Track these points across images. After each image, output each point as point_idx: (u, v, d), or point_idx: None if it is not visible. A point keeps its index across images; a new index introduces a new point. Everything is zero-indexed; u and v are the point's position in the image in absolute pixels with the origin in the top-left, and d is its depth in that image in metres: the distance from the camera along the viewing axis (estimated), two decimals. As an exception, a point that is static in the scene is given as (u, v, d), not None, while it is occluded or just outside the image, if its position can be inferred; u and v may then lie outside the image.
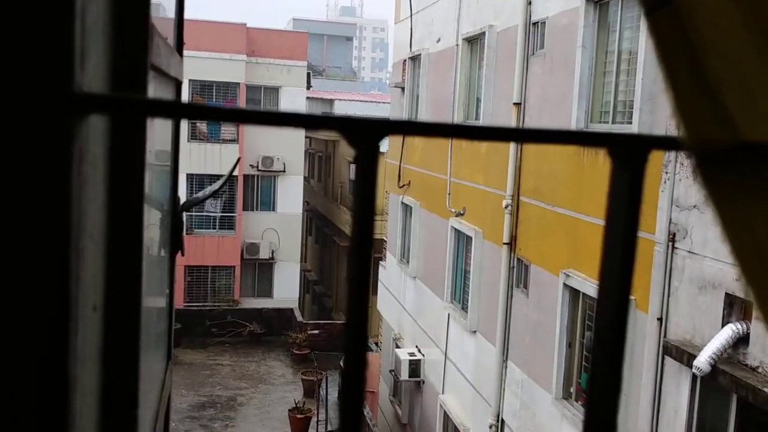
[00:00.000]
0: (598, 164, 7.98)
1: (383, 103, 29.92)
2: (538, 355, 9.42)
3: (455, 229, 12.41)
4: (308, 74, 26.91)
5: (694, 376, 6.21)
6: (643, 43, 7.30)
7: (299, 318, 24.04)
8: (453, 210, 12.35)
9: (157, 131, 1.52)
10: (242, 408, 18.79)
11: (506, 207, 10.20)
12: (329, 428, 17.05)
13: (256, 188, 26.27)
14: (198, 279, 25.37)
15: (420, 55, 14.62)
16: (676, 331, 6.62)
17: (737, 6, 0.40)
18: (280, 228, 26.17)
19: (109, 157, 0.83)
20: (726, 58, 0.41)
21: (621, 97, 7.98)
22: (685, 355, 6.22)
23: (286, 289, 26.33)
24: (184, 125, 20.94)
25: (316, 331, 22.56)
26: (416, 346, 14.47)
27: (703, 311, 6.26)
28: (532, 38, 9.86)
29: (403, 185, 15.18)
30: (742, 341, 5.80)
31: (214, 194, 20.35)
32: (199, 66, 23.52)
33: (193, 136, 24.63)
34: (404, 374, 14.05)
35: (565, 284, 8.65)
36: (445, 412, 12.67)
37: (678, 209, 6.62)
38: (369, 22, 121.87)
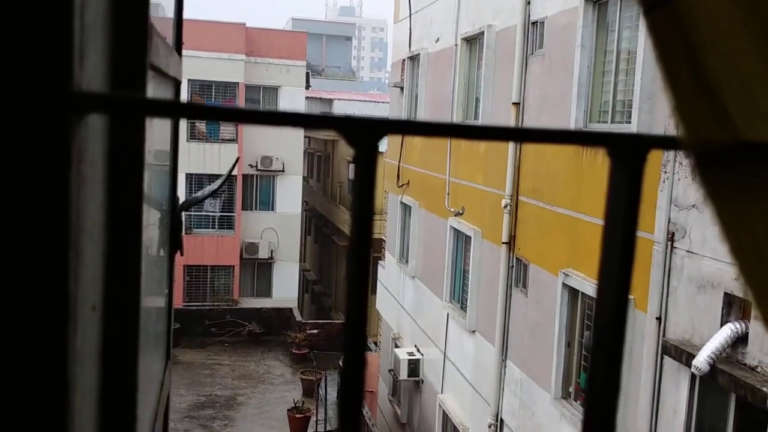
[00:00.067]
0: (597, 164, 7.98)
1: (382, 102, 29.92)
2: (537, 354, 9.42)
3: (454, 228, 12.41)
4: (307, 74, 26.91)
5: (693, 376, 6.22)
6: (642, 43, 7.31)
7: (298, 318, 24.04)
8: (452, 210, 12.35)
9: (156, 131, 1.52)
10: (241, 407, 18.79)
11: (505, 206, 10.20)
12: (328, 428, 17.05)
13: (255, 188, 26.26)
14: (197, 279, 25.36)
15: (419, 54, 14.62)
16: (675, 330, 6.63)
17: (737, 5, 0.40)
18: (279, 228, 26.16)
19: (108, 156, 0.83)
20: (725, 58, 0.41)
21: (620, 96, 7.98)
22: (684, 355, 6.23)
23: (285, 288, 26.33)
24: (183, 125, 20.94)
25: (315, 331, 22.56)
26: (415, 346, 14.48)
27: (701, 311, 6.26)
28: (530, 38, 9.87)
29: (402, 185, 15.18)
30: (740, 341, 5.80)
31: (213, 194, 20.34)
32: (198, 66, 23.51)
33: (192, 135, 24.62)
34: (403, 374, 14.05)
35: (564, 284, 8.66)
36: (444, 412, 12.67)
37: (677, 209, 6.62)
38: (368, 21, 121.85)
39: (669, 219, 6.71)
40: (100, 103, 0.54)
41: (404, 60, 15.66)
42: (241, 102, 24.90)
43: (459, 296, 12.52)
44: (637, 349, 7.09)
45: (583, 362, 8.57)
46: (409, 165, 14.94)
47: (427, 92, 14.32)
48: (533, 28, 9.81)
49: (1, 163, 0.50)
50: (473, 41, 12.05)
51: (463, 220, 12.03)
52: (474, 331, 11.60)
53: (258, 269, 26.37)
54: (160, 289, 1.88)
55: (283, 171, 26.00)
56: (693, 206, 6.41)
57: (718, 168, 0.44)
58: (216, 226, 25.58)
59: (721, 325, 5.94)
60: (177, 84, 2.01)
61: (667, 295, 6.72)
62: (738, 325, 5.79)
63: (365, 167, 0.45)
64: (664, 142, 0.51)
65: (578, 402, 8.60)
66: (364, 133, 0.45)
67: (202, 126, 24.54)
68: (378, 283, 17.58)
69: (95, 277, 0.78)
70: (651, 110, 7.13)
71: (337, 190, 27.31)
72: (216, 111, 0.46)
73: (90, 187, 0.70)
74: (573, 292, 8.63)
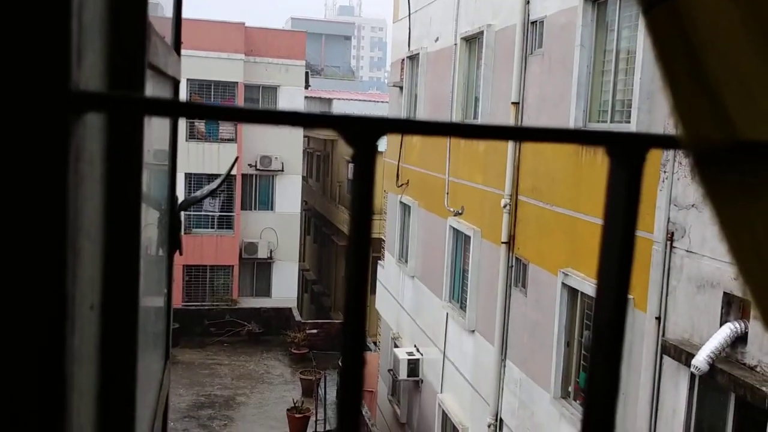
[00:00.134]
0: (597, 163, 7.99)
1: (381, 102, 29.93)
2: (536, 354, 9.43)
3: (454, 228, 12.41)
4: (306, 73, 26.91)
5: (692, 375, 6.22)
6: (641, 42, 7.31)
7: (297, 317, 24.04)
8: (451, 209, 12.35)
9: (155, 130, 1.52)
10: (240, 407, 18.79)
11: (505, 206, 10.20)
12: (328, 428, 17.05)
13: (255, 187, 26.26)
14: (196, 278, 25.36)
15: (418, 54, 14.62)
16: (674, 330, 6.63)
17: (736, 5, 0.40)
18: (278, 227, 26.16)
19: (106, 155, 0.82)
20: (725, 57, 0.41)
21: (619, 96, 7.98)
22: (683, 354, 6.23)
23: (284, 288, 26.33)
24: (183, 124, 20.94)
25: (315, 331, 22.56)
26: (415, 346, 14.48)
27: (701, 310, 6.26)
28: (530, 37, 9.87)
29: (402, 184, 15.18)
30: (740, 340, 5.80)
31: (212, 193, 20.34)
32: (197, 65, 23.51)
33: (192, 135, 24.62)
34: (403, 373, 14.05)
35: (563, 283, 8.66)
36: (443, 412, 12.67)
37: (676, 208, 6.62)
38: (367, 21, 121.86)
39: (668, 218, 6.71)
40: (97, 103, 0.54)
41: (403, 59, 15.66)
42: (240, 101, 24.90)
43: (458, 296, 12.52)
44: (636, 349, 7.09)
45: (582, 362, 8.57)
46: (409, 165, 14.94)
47: (427, 92, 14.32)
48: (532, 28, 9.81)
49: (-2, 163, 0.50)
50: (473, 41, 12.05)
51: (463, 219, 12.03)
52: (473, 331, 11.60)
53: (257, 269, 26.37)
54: (159, 288, 1.88)
55: (283, 171, 26.00)
56: (692, 206, 6.41)
57: (717, 168, 0.43)
58: (215, 226, 25.59)
59: (721, 325, 5.95)
60: (176, 83, 2.01)
61: (667, 295, 6.72)
62: (737, 325, 5.80)
63: (364, 166, 0.45)
64: (664, 142, 0.51)
65: (578, 401, 8.60)
66: (362, 132, 0.45)
67: (201, 125, 24.54)
68: (377, 283, 17.58)
69: (93, 276, 0.78)
70: (650, 109, 7.13)
71: (336, 189, 27.31)
72: (215, 110, 0.46)
73: (88, 186, 0.70)
74: (572, 292, 8.63)
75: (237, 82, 25.10)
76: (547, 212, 9.26)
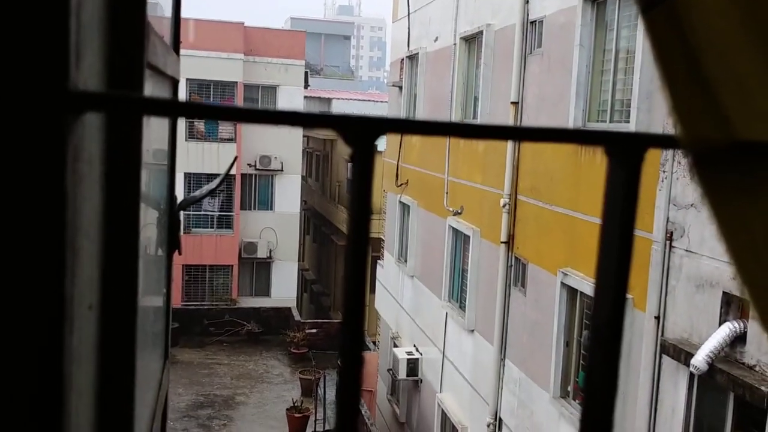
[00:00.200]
0: (596, 163, 7.99)
1: (381, 102, 29.93)
2: (535, 353, 9.43)
3: (453, 228, 12.42)
4: (306, 73, 26.90)
5: (691, 375, 6.22)
6: (640, 42, 7.31)
7: (297, 317, 24.03)
8: (451, 209, 12.35)
9: (154, 130, 1.52)
10: (240, 407, 18.78)
11: (504, 206, 10.20)
12: (327, 427, 17.05)
13: (254, 187, 26.26)
14: (196, 278, 25.35)
15: (418, 54, 14.62)
16: (673, 329, 6.63)
17: (735, 5, 0.40)
18: (277, 227, 26.16)
19: (105, 155, 0.82)
20: (723, 58, 0.41)
21: (618, 95, 7.98)
22: (682, 354, 6.23)
23: (283, 288, 26.32)
24: (182, 124, 20.93)
25: (314, 330, 22.56)
26: (414, 345, 14.48)
27: (700, 310, 6.27)
28: (529, 37, 9.87)
29: (401, 184, 15.18)
30: (739, 340, 5.81)
31: (211, 193, 20.34)
32: (196, 65, 23.50)
33: (191, 135, 24.62)
34: (402, 373, 14.05)
35: (562, 283, 8.66)
36: (443, 411, 12.68)
37: (675, 208, 6.63)
38: (367, 21, 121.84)
39: (667, 218, 6.71)
40: (96, 102, 0.54)
41: (403, 59, 15.66)
42: (239, 101, 24.89)
43: (458, 295, 12.52)
44: (635, 349, 7.09)
45: (581, 361, 8.58)
46: (408, 164, 14.94)
47: (426, 91, 14.32)
48: (532, 27, 9.81)
49: (-4, 162, 0.50)
50: (472, 40, 12.05)
51: (462, 219, 12.04)
52: (473, 331, 11.60)
53: (257, 269, 26.36)
54: (158, 288, 1.88)
55: (282, 170, 25.99)
56: (691, 205, 6.41)
57: (715, 167, 0.43)
58: (215, 226, 25.58)
59: (720, 324, 5.95)
60: (175, 83, 2.01)
61: (666, 295, 6.73)
62: (736, 324, 5.80)
63: (363, 166, 0.45)
64: (662, 142, 0.51)
65: (577, 401, 8.60)
66: (361, 132, 0.45)
67: (200, 125, 24.53)
68: (377, 283, 17.58)
69: (92, 276, 0.78)
70: (650, 109, 7.14)
71: (335, 189, 27.31)
72: (213, 110, 0.46)
73: (87, 186, 0.70)
74: (572, 292, 8.64)
75: (236, 82, 25.09)
76: (546, 212, 9.26)
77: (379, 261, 17.57)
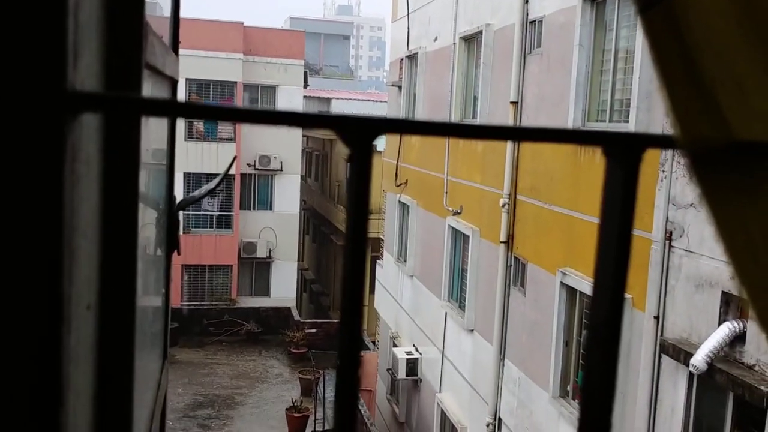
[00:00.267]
0: (595, 163, 7.99)
1: (380, 102, 29.93)
2: (535, 353, 9.43)
3: (452, 227, 12.42)
4: (305, 73, 26.90)
5: (690, 375, 6.22)
6: (640, 42, 7.31)
7: (296, 317, 24.04)
8: (450, 209, 12.36)
9: (153, 130, 1.52)
10: (239, 407, 18.78)
11: (503, 206, 10.20)
12: (327, 427, 17.05)
13: (254, 187, 26.26)
14: (195, 278, 25.35)
15: (417, 53, 14.62)
16: (672, 329, 6.63)
17: (732, 5, 0.40)
18: (277, 227, 26.16)
19: (103, 155, 0.82)
20: (720, 58, 0.41)
21: (618, 95, 7.99)
22: (681, 354, 6.23)
23: (283, 287, 26.32)
24: (181, 124, 20.93)
25: (314, 330, 22.56)
26: (413, 345, 14.48)
27: (699, 309, 6.27)
28: (529, 37, 9.87)
29: (401, 184, 15.18)
30: (738, 339, 5.81)
31: (210, 193, 20.33)
32: (196, 65, 23.50)
33: (190, 134, 24.61)
34: (401, 373, 14.05)
35: (562, 283, 8.66)
36: (442, 411, 12.68)
37: (675, 208, 6.63)
38: (366, 20, 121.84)
39: (667, 218, 6.71)
40: (94, 103, 0.54)
41: (402, 59, 15.66)
42: (239, 101, 24.89)
43: (457, 295, 12.52)
44: (635, 348, 7.09)
45: (581, 361, 8.58)
46: (408, 164, 14.94)
47: (426, 91, 14.32)
48: (531, 27, 9.82)
49: (-6, 163, 0.50)
50: (471, 40, 12.05)
51: (462, 219, 12.04)
52: (472, 330, 11.60)
53: (256, 268, 26.36)
54: (157, 288, 1.88)
55: (281, 170, 25.99)
56: (691, 205, 6.41)
57: (713, 168, 0.43)
58: (214, 226, 25.58)
59: (719, 324, 5.95)
60: (174, 83, 2.00)
61: (665, 294, 6.73)
62: (736, 324, 5.80)
63: (360, 166, 0.45)
64: (661, 142, 0.51)
65: (576, 401, 8.60)
66: (359, 132, 0.45)
67: (200, 125, 24.53)
68: (376, 283, 17.57)
69: (90, 276, 0.78)
70: (649, 109, 7.14)
71: (335, 189, 27.31)
72: (211, 110, 0.46)
73: (84, 186, 0.70)
74: (571, 291, 8.64)
75: (236, 82, 25.09)
76: (545, 212, 9.26)
77: (378, 261, 17.57)
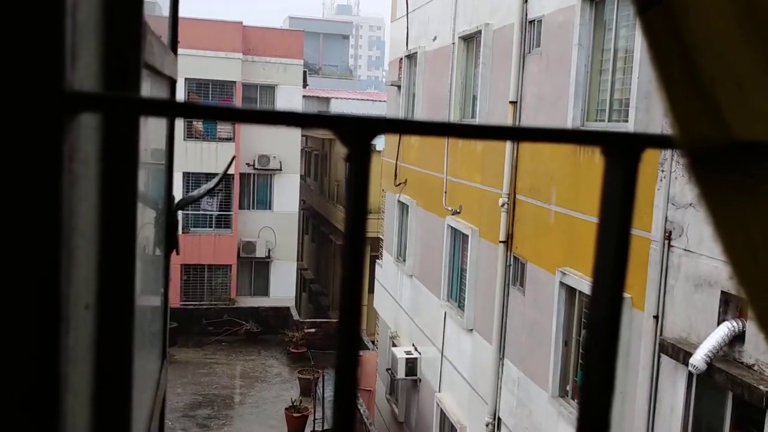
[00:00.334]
0: (595, 162, 7.99)
1: (379, 101, 29.92)
2: (534, 353, 9.43)
3: (452, 227, 12.42)
4: (304, 73, 26.90)
5: (690, 374, 6.23)
6: (639, 42, 7.31)
7: (296, 316, 24.04)
8: (449, 208, 12.36)
9: (151, 130, 1.52)
10: (238, 406, 18.78)
11: (502, 205, 10.21)
12: (326, 427, 17.05)
13: (253, 187, 26.26)
14: (194, 278, 25.35)
15: (416, 53, 14.62)
16: (672, 329, 6.64)
17: (731, 5, 0.40)
18: (276, 226, 26.16)
19: (101, 155, 0.82)
20: (720, 58, 0.41)
21: (617, 95, 7.99)
22: (681, 353, 6.24)
23: (282, 287, 26.32)
24: (181, 124, 20.93)
25: (313, 330, 22.56)
26: (413, 345, 14.48)
27: (699, 309, 6.27)
28: (528, 36, 9.87)
29: (400, 183, 15.18)
30: (737, 339, 5.81)
31: (209, 192, 20.33)
32: (195, 64, 23.49)
33: (190, 134, 24.61)
34: (401, 372, 14.06)
35: (561, 282, 8.67)
36: (441, 411, 12.68)
37: (674, 207, 6.63)
38: (365, 20, 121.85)
39: (666, 218, 6.71)
40: (92, 103, 0.54)
41: (401, 58, 15.66)
42: (238, 101, 24.89)
43: (456, 295, 12.52)
44: (634, 348, 7.10)
45: (580, 361, 8.58)
46: (407, 164, 14.95)
47: (425, 91, 14.32)
48: (530, 27, 9.82)
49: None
50: (470, 40, 12.06)
51: (461, 218, 12.04)
52: (471, 330, 11.60)
53: (255, 268, 26.36)
54: (156, 288, 1.87)
55: (281, 170, 25.99)
56: (690, 205, 6.42)
57: (712, 168, 0.43)
58: (213, 225, 25.58)
59: (718, 324, 5.96)
60: (172, 83, 2.00)
61: (664, 294, 6.73)
62: (735, 324, 5.80)
63: (359, 166, 0.45)
64: (660, 141, 0.51)
65: (575, 400, 8.60)
66: (357, 132, 0.45)
67: (199, 124, 24.53)
68: (375, 282, 17.57)
69: (89, 276, 0.78)
70: (648, 109, 7.14)
71: (334, 188, 27.31)
72: (209, 110, 0.46)
73: (83, 186, 0.70)
74: (570, 291, 8.64)
75: (235, 82, 25.09)
76: (544, 211, 9.26)
77: (377, 260, 17.57)
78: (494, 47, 10.99)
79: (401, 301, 15.48)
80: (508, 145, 9.91)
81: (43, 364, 0.53)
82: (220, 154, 24.44)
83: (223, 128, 25.02)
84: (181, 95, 21.74)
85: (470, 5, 12.01)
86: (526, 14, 9.86)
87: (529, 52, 9.85)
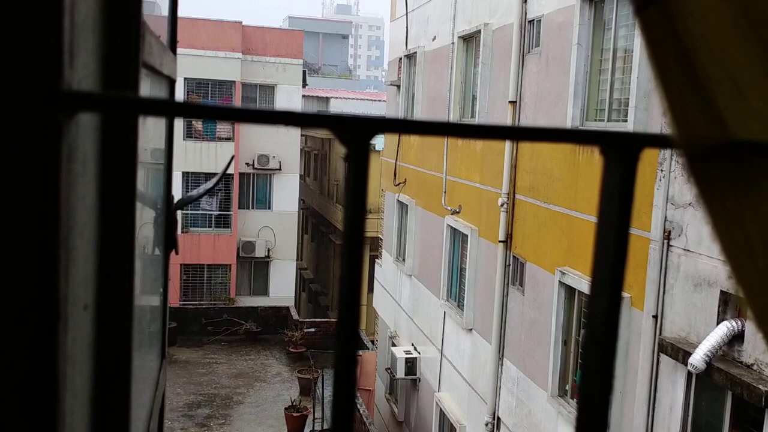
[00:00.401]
0: (594, 162, 7.99)
1: (379, 101, 29.93)
2: (533, 352, 9.44)
3: (451, 227, 12.42)
4: (304, 72, 26.89)
5: (689, 374, 6.23)
6: (638, 41, 7.31)
7: (295, 316, 24.04)
8: (449, 208, 12.36)
9: (151, 129, 1.52)
10: (238, 406, 18.78)
11: (502, 205, 10.21)
12: (325, 426, 17.05)
13: (252, 186, 26.26)
14: (194, 277, 25.35)
15: (416, 53, 14.62)
16: (671, 328, 6.64)
17: (728, 4, 0.40)
18: (275, 226, 26.16)
19: (100, 155, 0.82)
20: (716, 56, 0.41)
21: (616, 95, 7.99)
22: (680, 353, 6.24)
23: (281, 287, 26.32)
24: (180, 123, 20.93)
25: (312, 329, 22.56)
26: (412, 344, 14.49)
27: (698, 308, 6.27)
28: (527, 36, 9.87)
29: (399, 183, 15.18)
30: (737, 339, 5.81)
31: (208, 192, 20.33)
32: (194, 64, 23.50)
33: (189, 134, 24.60)
34: (400, 372, 14.06)
35: (560, 282, 8.67)
36: (441, 410, 12.68)
37: (673, 207, 6.63)
38: (365, 20, 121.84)
39: (665, 217, 6.72)
40: (90, 103, 0.54)
41: (401, 58, 15.66)
42: (237, 100, 24.88)
43: (456, 294, 12.53)
44: (633, 347, 7.10)
45: (579, 360, 8.58)
46: (406, 163, 14.95)
47: (424, 90, 14.32)
48: (530, 27, 9.82)
49: (-10, 162, 0.50)
50: (470, 39, 12.06)
51: (460, 218, 12.04)
52: (471, 330, 11.61)
53: (255, 268, 26.36)
54: (155, 287, 1.87)
55: (280, 169, 25.99)
56: (689, 204, 6.42)
57: (710, 167, 0.43)
58: (213, 225, 25.58)
59: (718, 323, 5.96)
60: (171, 82, 2.00)
61: (664, 293, 6.73)
62: (734, 323, 5.81)
63: (357, 166, 0.45)
64: (658, 141, 0.51)
65: (575, 400, 8.61)
66: (355, 132, 0.45)
67: (198, 124, 24.52)
68: (375, 282, 17.57)
69: (87, 276, 0.78)
70: (647, 108, 7.14)
71: (333, 188, 27.31)
72: (207, 110, 0.46)
73: (81, 186, 0.70)
74: (570, 290, 8.64)
75: (234, 81, 25.08)
76: (544, 211, 9.26)
77: (377, 260, 17.57)
78: (494, 47, 10.99)
79: (401, 301, 15.49)
80: (508, 144, 9.91)
81: (41, 364, 0.53)
82: (219, 154, 24.43)
83: (223, 128, 25.02)
84: (180, 95, 21.75)
85: (469, 5, 12.01)
86: (526, 14, 9.87)
87: (529, 52, 9.85)
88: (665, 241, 6.69)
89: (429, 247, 13.63)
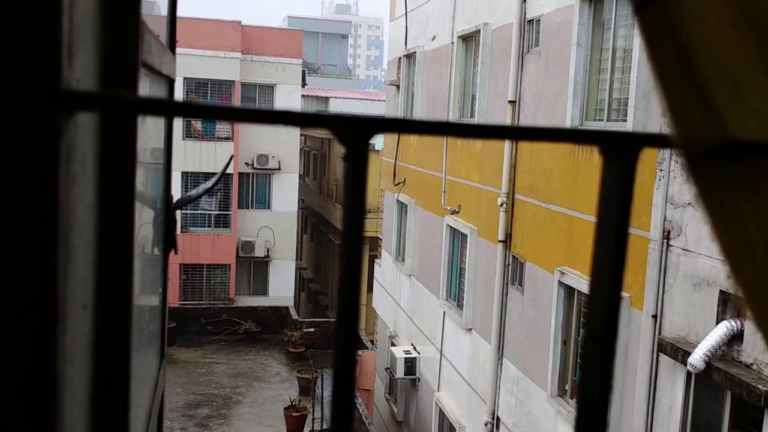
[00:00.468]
0: (593, 162, 7.99)
1: (378, 101, 29.93)
2: (533, 352, 9.44)
3: (450, 226, 12.42)
4: (303, 72, 26.89)
5: (688, 373, 6.23)
6: (637, 41, 7.31)
7: (294, 316, 24.04)
8: (448, 208, 12.36)
9: (150, 128, 1.52)
10: (237, 406, 18.78)
11: (501, 205, 10.21)
12: (325, 426, 17.05)
13: (251, 186, 26.26)
14: (193, 277, 25.35)
15: (415, 52, 14.62)
16: (670, 328, 6.64)
17: (727, 3, 0.40)
18: (275, 226, 26.16)
19: (99, 154, 0.82)
20: (716, 56, 0.41)
21: (616, 94, 7.99)
22: (679, 353, 6.24)
23: (281, 287, 26.32)
24: (179, 123, 20.93)
25: (312, 329, 22.57)
26: (412, 344, 14.49)
27: (697, 308, 6.28)
28: (526, 36, 9.87)
29: (399, 183, 15.18)
30: (736, 338, 5.82)
31: (207, 192, 20.33)
32: (194, 64, 23.49)
33: (188, 133, 24.60)
34: (400, 372, 14.06)
35: (560, 281, 8.67)
36: (440, 410, 12.69)
37: (672, 207, 6.63)
38: (364, 19, 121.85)
39: (665, 217, 6.72)
40: (89, 102, 0.54)
41: (400, 58, 15.66)
42: (237, 100, 24.88)
43: (455, 294, 12.53)
44: (633, 347, 7.10)
45: (579, 360, 8.58)
46: (406, 163, 14.95)
47: (424, 90, 14.32)
48: (529, 26, 9.82)
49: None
50: (469, 39, 12.06)
51: (460, 218, 12.04)
52: (470, 329, 11.61)
53: (254, 268, 26.36)
54: (154, 287, 1.87)
55: (279, 169, 25.99)
56: (689, 204, 6.42)
57: (709, 166, 0.43)
58: (212, 225, 25.58)
59: (717, 323, 5.96)
60: (171, 82, 2.00)
61: (663, 293, 6.74)
62: (733, 323, 5.81)
63: (356, 165, 0.45)
64: (658, 141, 0.51)
65: (574, 399, 8.61)
66: (355, 132, 0.45)
67: (198, 124, 24.52)
68: (374, 282, 17.57)
69: (86, 275, 0.78)
70: (647, 108, 7.14)
71: (333, 188, 27.31)
72: (206, 110, 0.46)
73: (80, 186, 0.70)
74: (569, 290, 8.65)
75: (234, 81, 25.08)
76: (543, 210, 9.27)
77: (376, 260, 17.57)
78: (493, 46, 10.99)
79: (400, 301, 15.49)
80: (507, 144, 9.92)
81: (39, 364, 0.53)
82: (218, 154, 24.43)
83: (222, 128, 25.02)
84: (179, 95, 21.73)
85: (469, 5, 12.01)
86: (525, 14, 9.87)
87: (528, 52, 9.85)
88: (664, 241, 6.69)
89: (428, 247, 13.63)
